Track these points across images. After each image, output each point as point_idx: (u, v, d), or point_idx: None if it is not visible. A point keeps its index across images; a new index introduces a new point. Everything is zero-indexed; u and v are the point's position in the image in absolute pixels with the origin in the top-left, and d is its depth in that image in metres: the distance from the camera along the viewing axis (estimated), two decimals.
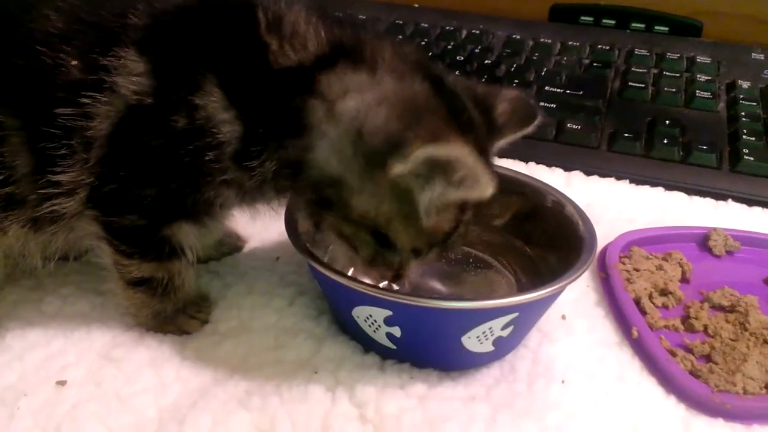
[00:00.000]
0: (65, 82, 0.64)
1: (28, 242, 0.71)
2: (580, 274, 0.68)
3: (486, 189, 0.59)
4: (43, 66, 0.63)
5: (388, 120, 0.58)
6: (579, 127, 1.12)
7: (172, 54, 0.64)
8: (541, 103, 1.17)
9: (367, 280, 0.70)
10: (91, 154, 0.65)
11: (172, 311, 0.75)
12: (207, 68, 0.63)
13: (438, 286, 0.82)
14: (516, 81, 1.24)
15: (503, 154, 1.04)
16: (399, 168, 0.57)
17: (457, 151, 0.56)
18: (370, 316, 0.68)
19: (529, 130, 0.71)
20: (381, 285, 0.71)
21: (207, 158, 0.64)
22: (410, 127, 0.57)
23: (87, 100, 0.63)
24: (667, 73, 1.28)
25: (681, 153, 1.07)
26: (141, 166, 0.65)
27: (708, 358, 0.73)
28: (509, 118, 0.69)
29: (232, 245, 0.88)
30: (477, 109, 0.65)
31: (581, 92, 1.22)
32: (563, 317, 0.78)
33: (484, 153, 0.62)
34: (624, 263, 0.84)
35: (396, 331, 0.68)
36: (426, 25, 1.44)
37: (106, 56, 0.63)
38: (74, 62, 0.64)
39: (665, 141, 1.09)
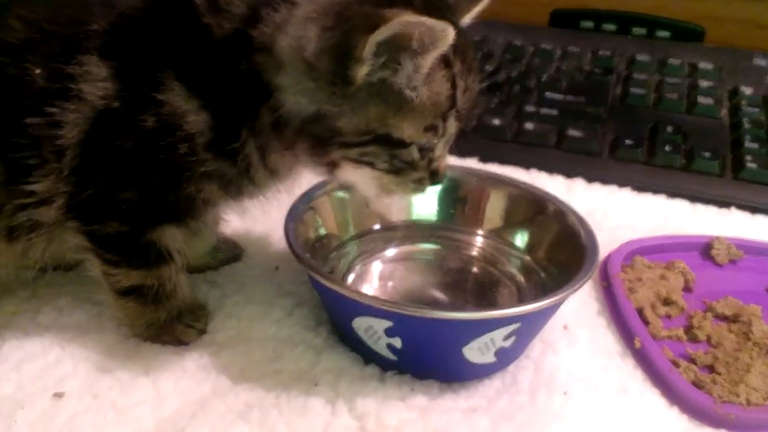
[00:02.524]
0: (31, 91, 0.64)
1: (1, 252, 0.71)
2: (582, 284, 0.68)
3: (445, 33, 0.57)
4: (7, 76, 0.63)
5: (321, 37, 0.58)
6: (580, 133, 1.11)
7: (131, 56, 0.64)
8: (542, 110, 1.17)
9: (403, 189, 0.68)
10: (63, 163, 0.65)
11: (167, 320, 0.74)
12: (164, 64, 0.63)
13: (439, 296, 0.81)
14: (517, 87, 1.23)
15: (504, 161, 1.06)
16: (359, 72, 0.58)
17: (396, 21, 0.55)
18: (371, 326, 0.67)
19: (484, 3, 0.70)
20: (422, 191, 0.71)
21: (181, 152, 0.63)
22: (344, 30, 0.57)
23: (54, 109, 0.63)
24: (668, 79, 1.28)
25: (683, 160, 1.07)
26: (117, 170, 0.65)
27: (711, 369, 0.72)
28: None
29: (229, 252, 0.88)
30: None
31: (582, 98, 1.21)
32: (565, 327, 0.77)
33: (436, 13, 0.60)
34: (626, 272, 0.84)
35: (397, 342, 0.67)
36: None
37: (70, 64, 0.63)
38: (38, 71, 0.64)
39: (667, 148, 1.08)
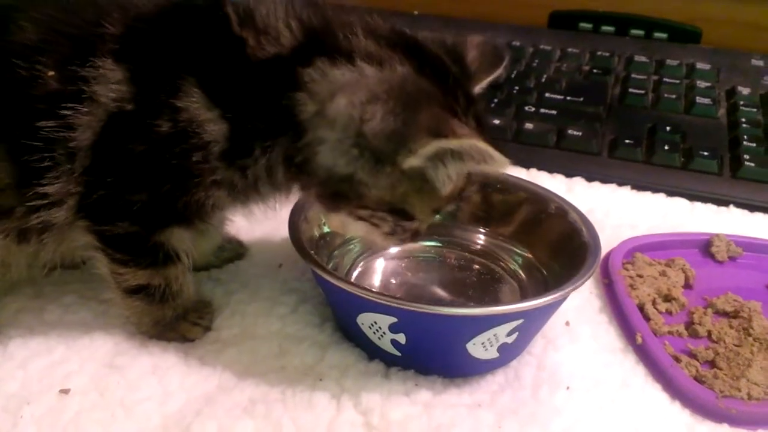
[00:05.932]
0: (43, 93, 0.63)
1: (11, 253, 0.71)
2: (585, 281, 0.68)
3: (502, 166, 0.60)
4: (19, 78, 0.63)
5: (385, 120, 0.59)
6: (580, 133, 1.12)
7: (148, 60, 0.64)
8: (542, 110, 1.18)
9: (387, 244, 0.72)
10: (75, 165, 0.65)
11: (173, 318, 0.74)
12: (184, 70, 0.63)
13: (442, 292, 0.81)
14: (516, 87, 1.24)
15: None
16: (410, 163, 0.59)
17: (467, 142, 0.58)
18: (375, 322, 0.67)
19: (499, 72, 0.73)
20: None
21: (194, 159, 0.64)
22: (410, 123, 0.59)
23: (68, 112, 0.63)
24: (666, 80, 1.28)
25: (682, 159, 1.07)
26: (128, 173, 0.65)
27: (712, 364, 0.73)
28: (480, 63, 0.71)
29: (233, 251, 0.88)
30: (450, 59, 0.67)
31: (581, 99, 1.22)
32: (567, 323, 0.78)
33: (482, 126, 0.65)
34: (627, 269, 0.84)
35: (401, 338, 0.68)
36: (426, 33, 1.44)
37: (85, 67, 0.63)
38: (51, 73, 0.63)
39: (666, 147, 1.09)
